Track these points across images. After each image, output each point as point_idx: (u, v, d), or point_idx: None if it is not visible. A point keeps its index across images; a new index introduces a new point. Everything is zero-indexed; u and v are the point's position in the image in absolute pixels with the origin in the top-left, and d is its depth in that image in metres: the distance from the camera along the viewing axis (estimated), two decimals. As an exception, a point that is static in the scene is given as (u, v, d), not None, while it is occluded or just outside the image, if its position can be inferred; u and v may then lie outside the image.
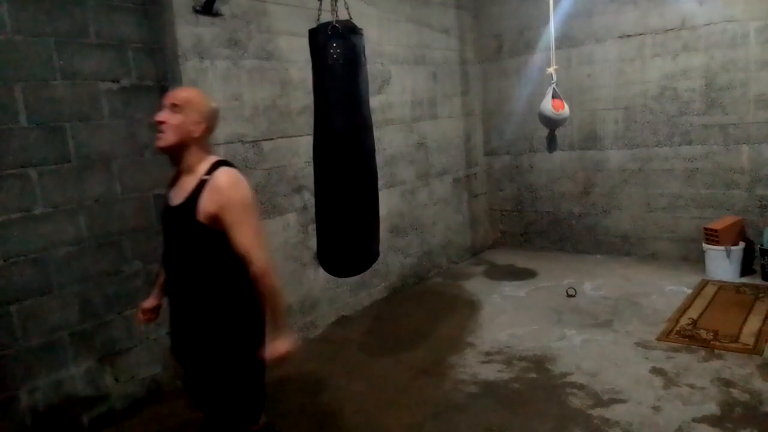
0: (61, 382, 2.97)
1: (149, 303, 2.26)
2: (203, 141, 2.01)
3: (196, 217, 1.92)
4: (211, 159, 2.02)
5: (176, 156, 2.01)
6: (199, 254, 1.97)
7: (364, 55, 2.83)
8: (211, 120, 2.03)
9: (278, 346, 1.99)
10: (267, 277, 1.93)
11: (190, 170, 2.00)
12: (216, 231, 1.92)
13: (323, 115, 2.79)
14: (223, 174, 1.94)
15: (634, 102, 5.33)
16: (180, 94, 2.01)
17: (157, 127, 1.97)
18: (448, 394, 3.25)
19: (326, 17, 2.77)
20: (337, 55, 2.66)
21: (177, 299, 2.09)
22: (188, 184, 1.98)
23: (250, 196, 1.96)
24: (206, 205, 1.91)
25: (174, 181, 2.08)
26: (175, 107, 1.96)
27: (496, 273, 5.53)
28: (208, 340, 2.01)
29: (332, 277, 4.29)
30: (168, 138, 1.95)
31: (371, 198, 2.91)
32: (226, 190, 1.90)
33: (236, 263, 1.93)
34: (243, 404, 2.10)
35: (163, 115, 1.97)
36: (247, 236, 1.91)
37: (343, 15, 2.75)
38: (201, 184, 1.94)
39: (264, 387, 2.17)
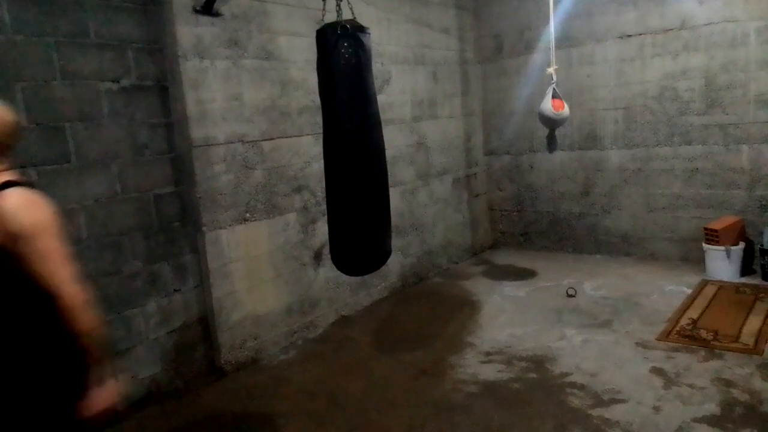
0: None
1: None
2: None
3: None
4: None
5: None
6: None
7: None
8: (2, 135, 1.71)
9: (98, 397, 1.70)
10: (78, 312, 1.64)
11: None
12: (7, 266, 1.62)
13: (333, 114, 2.78)
14: (12, 195, 1.62)
15: (634, 102, 5.33)
16: None
17: None
18: (448, 394, 3.25)
19: (328, 17, 2.78)
20: (349, 54, 2.66)
21: None
22: None
23: (50, 219, 1.65)
24: None
25: None
26: None
27: (496, 273, 5.53)
28: (10, 401, 1.65)
29: (332, 276, 4.34)
30: None
31: (384, 195, 2.91)
32: (15, 214, 1.59)
33: (41, 301, 1.65)
34: None
35: None
36: (49, 267, 1.62)
37: (345, 15, 2.75)
38: None
39: None
